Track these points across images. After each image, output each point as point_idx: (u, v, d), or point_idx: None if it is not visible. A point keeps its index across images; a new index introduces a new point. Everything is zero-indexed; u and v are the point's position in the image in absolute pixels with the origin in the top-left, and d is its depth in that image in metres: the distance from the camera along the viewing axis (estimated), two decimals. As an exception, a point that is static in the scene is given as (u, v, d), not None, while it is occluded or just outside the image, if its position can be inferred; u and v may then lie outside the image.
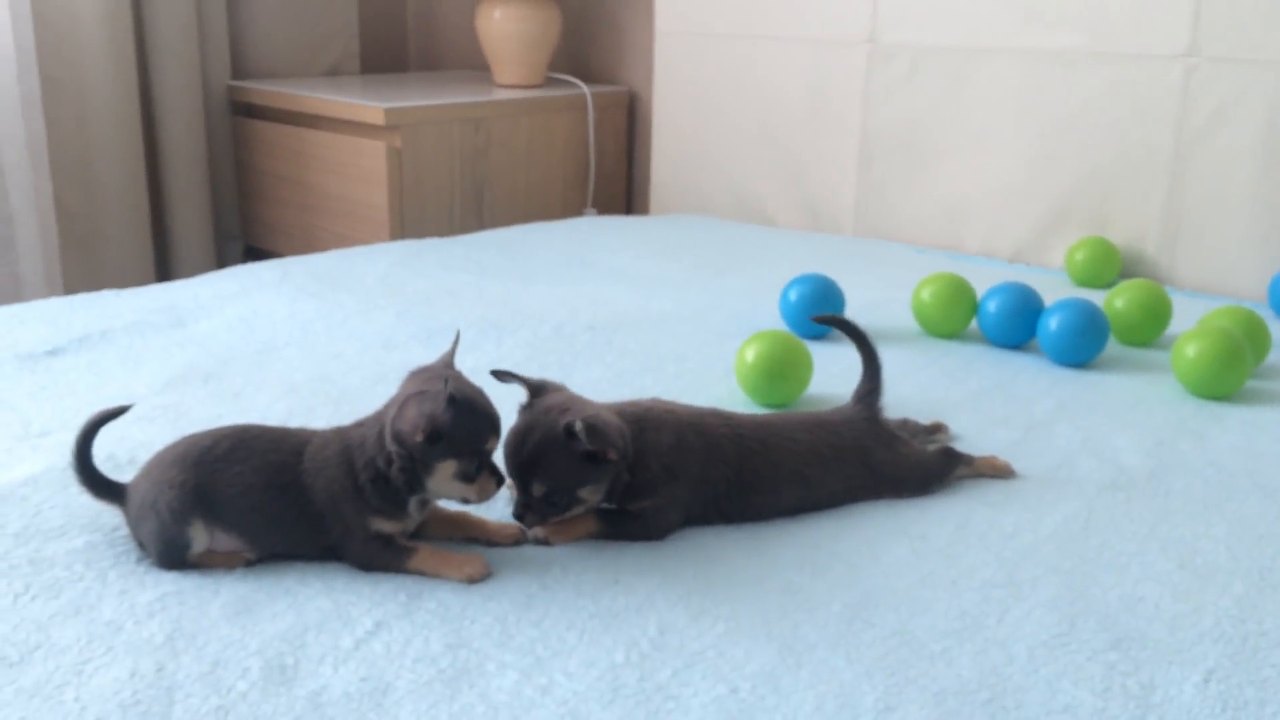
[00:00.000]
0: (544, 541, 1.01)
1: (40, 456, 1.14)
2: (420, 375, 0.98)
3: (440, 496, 0.97)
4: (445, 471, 0.93)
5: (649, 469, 1.03)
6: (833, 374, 1.44)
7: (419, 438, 0.91)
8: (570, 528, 1.02)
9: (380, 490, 0.94)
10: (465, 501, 0.97)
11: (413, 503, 0.96)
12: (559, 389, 1.05)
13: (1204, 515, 1.10)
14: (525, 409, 1.02)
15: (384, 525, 0.95)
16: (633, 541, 1.03)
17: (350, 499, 0.94)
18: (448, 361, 1.00)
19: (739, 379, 1.36)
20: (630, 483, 1.03)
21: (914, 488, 1.13)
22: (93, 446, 0.98)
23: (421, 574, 0.95)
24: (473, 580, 0.95)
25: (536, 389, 1.04)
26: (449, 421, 0.91)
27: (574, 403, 1.02)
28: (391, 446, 0.93)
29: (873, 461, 1.12)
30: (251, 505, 0.94)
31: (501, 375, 1.04)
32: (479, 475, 0.95)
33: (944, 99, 2.15)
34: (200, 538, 0.94)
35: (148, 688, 0.80)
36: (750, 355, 1.35)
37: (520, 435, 1.00)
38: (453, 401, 0.91)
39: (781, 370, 1.34)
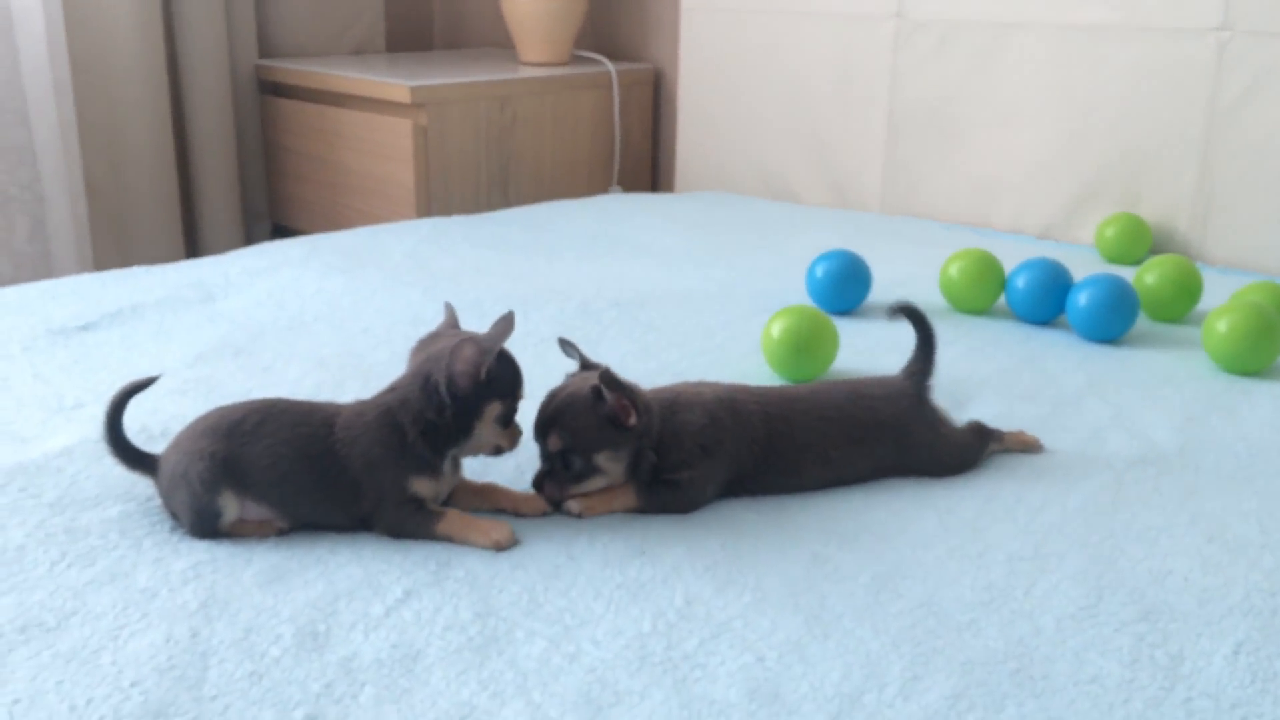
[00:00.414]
0: (577, 515, 1.02)
1: (74, 428, 1.16)
2: (428, 342, 1.01)
3: (478, 447, 0.99)
4: (491, 413, 0.97)
5: (684, 448, 1.03)
6: (859, 349, 1.44)
7: (480, 377, 0.95)
8: (605, 500, 1.03)
9: (431, 442, 0.96)
10: (497, 452, 1.00)
11: (448, 462, 0.98)
12: (601, 368, 1.06)
13: (1234, 490, 1.09)
14: (569, 376, 1.05)
15: (422, 487, 0.97)
16: (664, 513, 1.03)
17: (391, 461, 0.96)
18: (453, 323, 1.03)
19: (765, 354, 1.36)
20: (661, 464, 1.03)
21: (950, 469, 1.13)
22: (123, 418, 0.99)
23: (449, 539, 0.96)
24: (499, 547, 0.96)
25: (587, 364, 1.07)
26: (493, 365, 0.96)
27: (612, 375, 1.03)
28: (444, 392, 0.95)
29: (908, 441, 1.11)
30: (281, 476, 0.95)
31: (565, 345, 1.08)
32: (512, 423, 0.99)
33: (973, 74, 2.13)
34: (231, 507, 0.95)
35: (183, 653, 0.81)
36: (776, 330, 1.35)
37: (551, 393, 1.03)
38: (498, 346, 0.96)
39: (808, 345, 1.34)
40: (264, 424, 0.96)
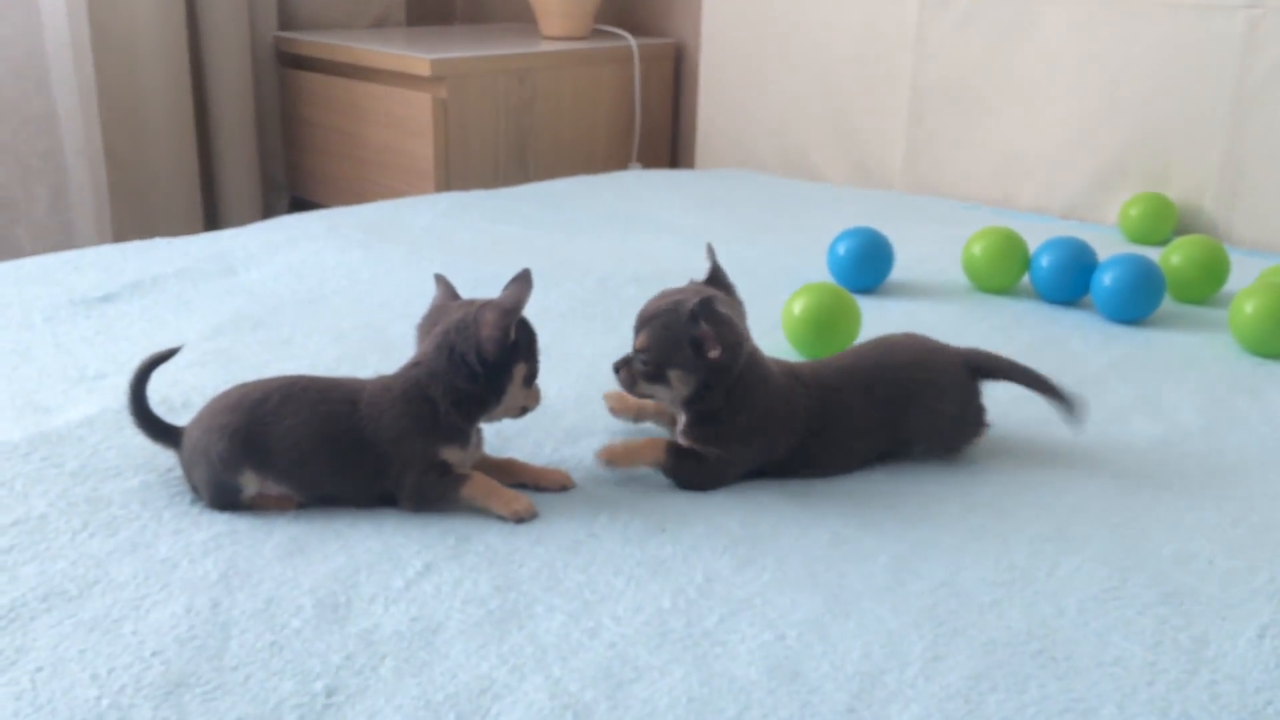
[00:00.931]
0: (607, 464, 1.03)
1: (95, 399, 1.16)
2: (436, 316, 1.00)
3: (507, 410, 1.00)
4: (519, 375, 0.98)
5: (735, 421, 1.03)
6: (881, 327, 1.42)
7: (509, 339, 0.95)
8: (630, 453, 1.04)
9: (464, 411, 0.96)
10: (523, 413, 1.01)
11: (475, 431, 0.99)
12: (732, 293, 1.09)
13: (1259, 473, 1.08)
14: (691, 282, 1.08)
15: (452, 455, 0.97)
16: (684, 486, 1.03)
17: (421, 431, 0.96)
18: (450, 294, 1.02)
19: (786, 332, 1.36)
20: (712, 414, 1.02)
21: (943, 447, 1.11)
22: (147, 390, 0.99)
23: (472, 503, 0.97)
24: (519, 518, 0.96)
25: (716, 276, 1.09)
26: (519, 324, 0.97)
27: (722, 299, 1.03)
28: (474, 361, 0.95)
29: (929, 417, 1.08)
30: (303, 456, 0.95)
31: (712, 253, 1.10)
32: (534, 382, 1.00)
33: (998, 51, 2.11)
34: (251, 484, 0.96)
35: (204, 623, 0.81)
36: (798, 308, 1.34)
37: (663, 293, 1.05)
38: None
39: (829, 323, 1.33)
40: (286, 403, 0.96)
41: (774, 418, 1.04)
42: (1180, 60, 1.91)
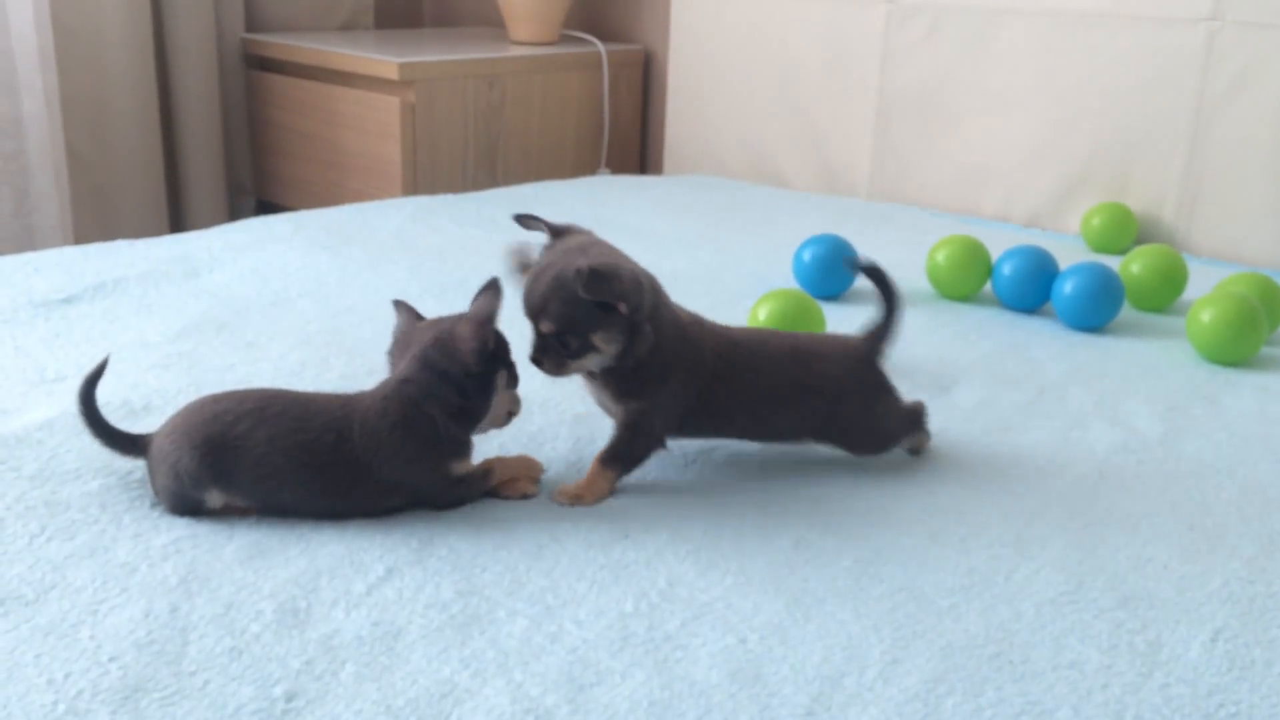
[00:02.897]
0: (569, 504, 1.01)
1: (55, 402, 1.15)
2: (408, 338, 0.99)
3: (495, 419, 1.00)
4: (501, 381, 0.98)
5: (651, 362, 1.00)
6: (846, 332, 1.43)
7: (488, 349, 0.95)
8: (586, 490, 1.02)
9: (463, 424, 0.97)
10: (509, 419, 1.01)
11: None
12: (584, 232, 1.04)
13: (1215, 479, 1.10)
14: (547, 249, 1.02)
15: (463, 467, 0.98)
16: (635, 461, 1.04)
17: (429, 454, 0.96)
18: (413, 317, 1.01)
19: None
20: (634, 366, 1.00)
21: (870, 448, 1.11)
22: (97, 405, 0.97)
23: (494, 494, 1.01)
24: (526, 496, 1.02)
25: (559, 231, 1.03)
26: (495, 331, 0.97)
27: (593, 246, 1.00)
28: (457, 374, 0.95)
29: (841, 407, 1.07)
30: (280, 482, 0.94)
31: (524, 220, 1.05)
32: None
33: (963, 60, 2.13)
34: (216, 500, 0.95)
35: (162, 628, 0.81)
36: (763, 314, 1.35)
37: (534, 273, 0.99)
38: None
39: (793, 328, 1.34)
40: (260, 426, 0.93)
41: (682, 353, 1.02)
42: (1141, 72, 1.94)
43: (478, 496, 1.00)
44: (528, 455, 1.07)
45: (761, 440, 1.11)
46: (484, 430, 1.00)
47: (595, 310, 0.96)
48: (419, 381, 0.96)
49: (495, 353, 0.97)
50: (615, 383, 1.02)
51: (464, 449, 0.98)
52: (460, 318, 0.97)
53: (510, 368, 0.99)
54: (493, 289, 0.98)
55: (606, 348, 0.99)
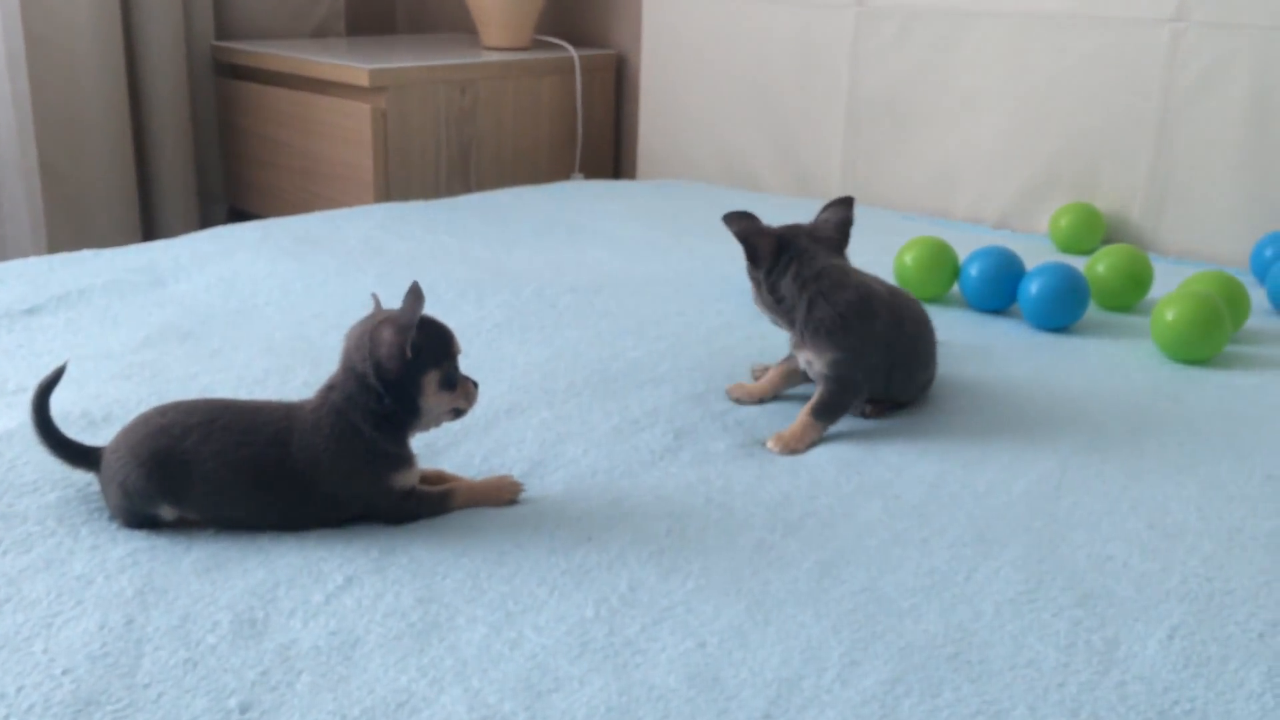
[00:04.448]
0: (789, 450, 1.15)
1: (14, 413, 1.14)
2: (356, 328, 0.97)
3: (434, 419, 0.97)
4: (432, 384, 0.95)
5: (835, 305, 1.19)
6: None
7: (406, 356, 0.92)
8: (804, 437, 1.16)
9: (388, 434, 0.94)
10: (456, 414, 0.98)
11: (410, 441, 0.97)
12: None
13: (1176, 477, 1.11)
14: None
15: (404, 479, 0.96)
16: (840, 410, 1.19)
17: (365, 468, 0.94)
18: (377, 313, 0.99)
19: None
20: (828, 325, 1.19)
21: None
22: (50, 417, 0.96)
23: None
24: (513, 501, 1.01)
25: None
26: (421, 332, 0.93)
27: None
28: (375, 382, 0.93)
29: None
30: (229, 497, 0.93)
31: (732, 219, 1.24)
32: (459, 381, 0.97)
33: (932, 63, 2.14)
34: (168, 514, 0.94)
35: (117, 640, 0.80)
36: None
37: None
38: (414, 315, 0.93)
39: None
40: (208, 440, 0.92)
41: (875, 312, 1.20)
42: (1107, 73, 1.95)
43: (434, 516, 0.98)
44: (506, 477, 1.04)
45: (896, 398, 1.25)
46: (426, 429, 0.98)
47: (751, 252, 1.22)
48: (342, 388, 0.94)
49: (421, 354, 0.93)
50: (813, 337, 1.18)
51: (401, 461, 0.96)
52: (383, 321, 0.93)
53: (444, 365, 0.95)
54: (413, 294, 0.93)
55: (754, 289, 1.24)
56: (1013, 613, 0.87)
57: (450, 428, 1.07)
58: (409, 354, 0.92)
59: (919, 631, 0.84)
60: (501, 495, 1.01)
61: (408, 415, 0.95)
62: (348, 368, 0.95)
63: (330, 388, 0.96)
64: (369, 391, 0.93)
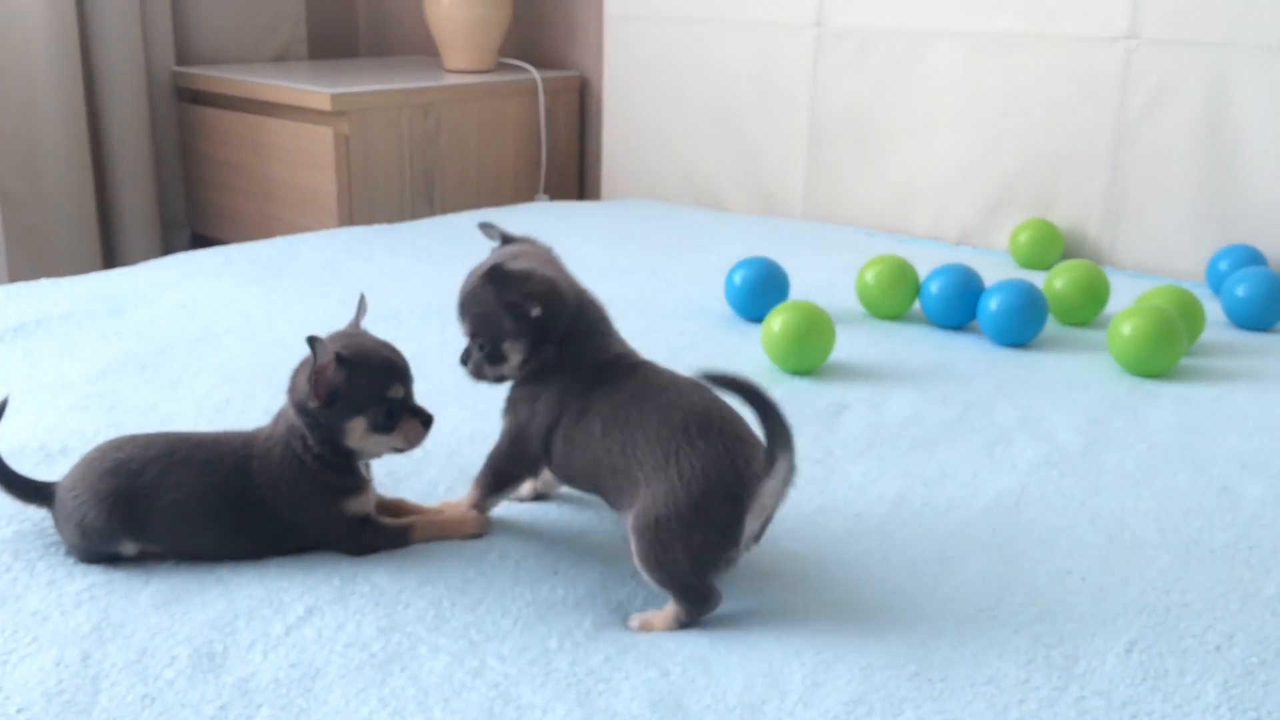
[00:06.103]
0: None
1: (-30, 447, 1.13)
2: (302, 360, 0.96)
3: (373, 454, 0.96)
4: (357, 429, 0.92)
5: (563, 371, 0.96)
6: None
7: (314, 403, 0.91)
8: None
9: (330, 464, 0.93)
10: (397, 451, 0.96)
11: (360, 466, 0.96)
12: (530, 242, 1.02)
13: (1134, 490, 1.12)
14: (494, 250, 1.02)
15: (356, 505, 0.95)
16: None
17: (317, 494, 0.94)
18: (353, 328, 0.98)
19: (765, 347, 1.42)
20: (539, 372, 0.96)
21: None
22: (3, 459, 0.95)
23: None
24: (478, 535, 0.99)
25: (509, 240, 1.03)
26: (339, 380, 0.90)
27: (524, 254, 0.98)
28: (298, 420, 0.93)
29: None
30: (191, 530, 0.93)
31: (485, 228, 1.05)
32: (399, 422, 0.93)
33: (891, 82, 2.16)
34: (130, 549, 0.93)
35: (73, 677, 0.79)
36: (776, 326, 1.40)
37: (470, 272, 0.98)
38: (339, 359, 0.90)
39: (806, 340, 1.40)
40: (167, 474, 0.92)
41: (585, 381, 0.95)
42: (1063, 91, 1.97)
43: (391, 548, 0.96)
44: (471, 510, 1.01)
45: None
46: (374, 457, 0.97)
47: (504, 316, 0.94)
48: (286, 418, 0.94)
49: (348, 397, 0.90)
50: (518, 388, 0.98)
51: (350, 488, 0.95)
52: (302, 364, 0.93)
53: (371, 411, 0.91)
54: (316, 342, 0.89)
55: (513, 355, 0.96)
56: (973, 630, 0.87)
57: (413, 454, 1.06)
58: (322, 400, 0.90)
59: (880, 651, 0.84)
60: (464, 529, 1.00)
61: (341, 451, 0.94)
62: (289, 401, 0.94)
63: (279, 416, 0.96)
64: (304, 427, 0.93)
